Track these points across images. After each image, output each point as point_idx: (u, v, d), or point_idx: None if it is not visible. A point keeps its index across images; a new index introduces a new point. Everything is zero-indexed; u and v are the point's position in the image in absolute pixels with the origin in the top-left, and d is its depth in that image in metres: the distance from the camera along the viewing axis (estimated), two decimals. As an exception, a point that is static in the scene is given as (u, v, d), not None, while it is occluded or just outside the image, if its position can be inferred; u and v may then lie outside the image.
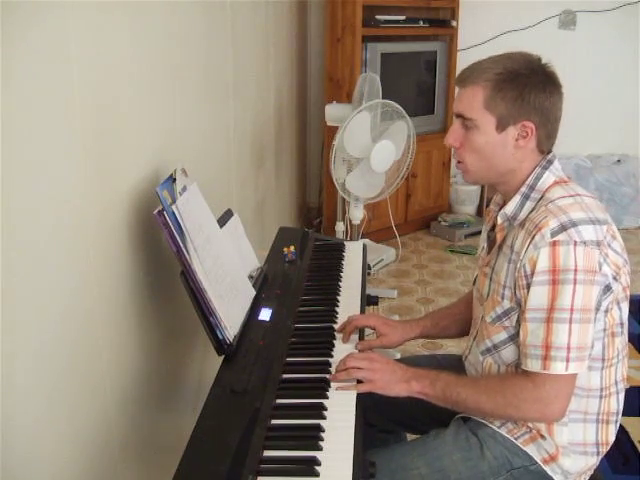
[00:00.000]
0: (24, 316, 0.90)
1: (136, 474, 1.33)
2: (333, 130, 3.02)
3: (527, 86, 1.26)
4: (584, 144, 4.68)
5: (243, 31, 2.28)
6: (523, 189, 1.31)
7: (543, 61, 1.30)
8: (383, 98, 2.94)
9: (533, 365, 1.22)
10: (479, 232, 4.28)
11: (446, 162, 4.44)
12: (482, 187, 4.63)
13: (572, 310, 1.18)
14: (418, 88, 4.26)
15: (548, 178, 1.31)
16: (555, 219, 1.21)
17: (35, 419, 0.94)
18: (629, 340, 1.43)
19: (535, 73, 1.27)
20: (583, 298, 1.18)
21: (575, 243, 1.18)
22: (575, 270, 1.18)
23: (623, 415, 1.36)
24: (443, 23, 4.21)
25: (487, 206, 1.47)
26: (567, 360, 1.19)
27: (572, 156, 4.59)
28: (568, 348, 1.19)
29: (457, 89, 1.34)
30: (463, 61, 4.32)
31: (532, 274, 1.21)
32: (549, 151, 1.33)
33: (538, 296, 1.21)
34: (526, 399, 1.23)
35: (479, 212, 4.66)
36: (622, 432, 2.17)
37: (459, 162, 1.36)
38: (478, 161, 1.32)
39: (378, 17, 3.81)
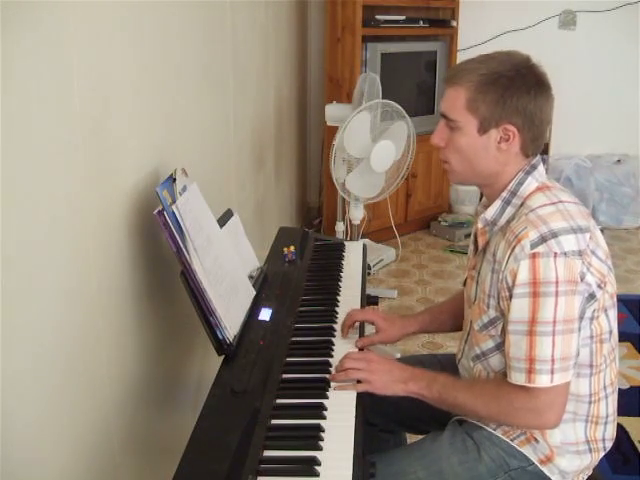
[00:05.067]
0: (24, 317, 0.89)
1: (136, 474, 1.32)
2: (333, 130, 3.02)
3: (509, 89, 1.22)
4: (584, 144, 4.68)
5: (243, 31, 2.28)
6: (504, 194, 1.29)
7: (532, 61, 1.26)
8: (383, 98, 2.94)
9: (517, 378, 1.21)
10: (479, 232, 4.34)
11: (446, 162, 4.43)
12: (482, 187, 4.63)
13: (555, 322, 1.17)
14: (418, 88, 4.26)
15: (530, 184, 1.28)
16: (535, 230, 1.18)
17: (35, 419, 0.94)
18: (629, 340, 1.44)
19: (520, 75, 1.23)
20: (566, 309, 1.17)
21: (555, 255, 1.16)
22: (556, 282, 1.16)
23: (624, 415, 1.36)
24: (443, 23, 4.21)
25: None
26: (552, 372, 1.18)
27: (572, 156, 4.59)
28: (552, 360, 1.18)
29: (444, 87, 1.32)
30: (463, 61, 4.32)
31: (513, 286, 1.19)
32: (535, 154, 1.30)
33: (519, 309, 1.19)
34: (520, 408, 1.23)
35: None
36: (622, 432, 2.16)
37: (444, 162, 1.35)
38: (461, 162, 1.31)
39: (378, 17, 3.81)
